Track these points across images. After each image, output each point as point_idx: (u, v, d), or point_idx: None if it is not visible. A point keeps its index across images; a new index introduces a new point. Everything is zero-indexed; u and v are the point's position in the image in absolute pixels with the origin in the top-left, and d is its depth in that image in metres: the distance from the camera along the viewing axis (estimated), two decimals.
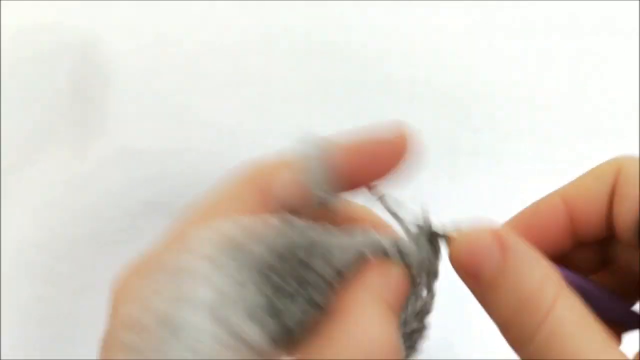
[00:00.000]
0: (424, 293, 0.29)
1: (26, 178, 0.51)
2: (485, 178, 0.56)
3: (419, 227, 0.29)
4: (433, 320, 0.29)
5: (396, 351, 0.25)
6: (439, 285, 0.29)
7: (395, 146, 0.28)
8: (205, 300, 0.19)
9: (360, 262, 0.27)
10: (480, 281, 0.26)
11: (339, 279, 0.26)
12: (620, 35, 0.59)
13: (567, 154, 0.57)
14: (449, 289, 0.29)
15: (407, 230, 0.29)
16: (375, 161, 0.28)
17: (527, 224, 0.31)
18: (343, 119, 0.53)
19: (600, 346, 0.25)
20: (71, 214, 0.51)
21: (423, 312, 0.29)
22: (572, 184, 0.31)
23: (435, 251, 0.29)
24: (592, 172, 0.31)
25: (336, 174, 0.26)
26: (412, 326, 0.29)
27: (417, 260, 0.28)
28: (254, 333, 0.19)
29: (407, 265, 0.28)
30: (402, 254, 0.28)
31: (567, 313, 0.25)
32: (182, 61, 0.55)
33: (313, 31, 0.56)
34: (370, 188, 0.28)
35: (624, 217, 0.29)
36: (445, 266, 0.29)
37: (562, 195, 0.31)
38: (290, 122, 0.53)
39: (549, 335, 0.25)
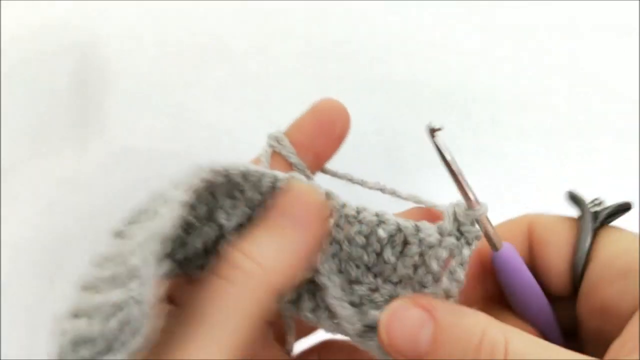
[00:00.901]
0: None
1: (26, 178, 0.51)
2: (486, 178, 0.56)
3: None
4: None
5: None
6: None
7: (330, 111, 0.31)
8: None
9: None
10: (419, 353, 0.26)
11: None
12: (620, 35, 0.59)
13: (567, 154, 0.57)
14: None
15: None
16: (321, 128, 0.31)
17: None
18: None
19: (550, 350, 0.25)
20: (71, 214, 0.51)
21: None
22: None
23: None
24: (501, 227, 0.31)
25: (297, 150, 0.31)
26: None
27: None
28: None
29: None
30: None
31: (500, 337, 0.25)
32: (182, 61, 0.55)
33: (313, 31, 0.56)
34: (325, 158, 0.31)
35: (554, 263, 0.30)
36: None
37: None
38: (290, 122, 0.53)
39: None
